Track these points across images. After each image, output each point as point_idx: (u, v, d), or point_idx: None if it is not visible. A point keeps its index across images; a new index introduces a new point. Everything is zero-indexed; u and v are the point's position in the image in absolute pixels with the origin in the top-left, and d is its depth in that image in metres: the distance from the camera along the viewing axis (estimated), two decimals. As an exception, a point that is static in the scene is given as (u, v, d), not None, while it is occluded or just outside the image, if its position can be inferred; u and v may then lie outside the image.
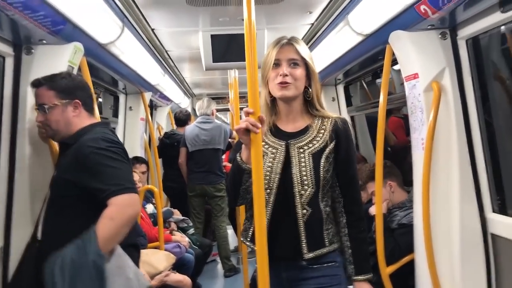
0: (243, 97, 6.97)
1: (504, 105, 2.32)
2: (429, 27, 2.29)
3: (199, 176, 4.94)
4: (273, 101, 1.87)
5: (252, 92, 1.58)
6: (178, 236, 4.08)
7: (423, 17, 2.13)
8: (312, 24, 3.39)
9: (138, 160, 4.18)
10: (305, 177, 1.75)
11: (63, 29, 2.14)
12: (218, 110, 7.93)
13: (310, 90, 1.84)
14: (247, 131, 1.51)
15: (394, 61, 2.61)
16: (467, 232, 2.29)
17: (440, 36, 2.33)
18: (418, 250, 2.50)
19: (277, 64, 1.78)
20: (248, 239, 1.85)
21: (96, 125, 2.03)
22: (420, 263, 2.46)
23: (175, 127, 6.59)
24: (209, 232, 5.61)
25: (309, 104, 1.87)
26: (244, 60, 3.50)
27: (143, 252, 2.95)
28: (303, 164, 1.76)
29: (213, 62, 3.48)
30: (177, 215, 4.41)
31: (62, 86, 1.95)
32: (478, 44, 2.28)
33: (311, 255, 1.75)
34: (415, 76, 2.40)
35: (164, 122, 6.24)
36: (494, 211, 2.30)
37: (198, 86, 7.18)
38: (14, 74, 2.16)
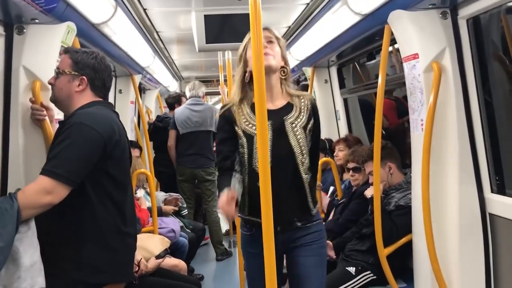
0: (232, 80, 6.88)
1: (504, 85, 2.31)
2: (430, 6, 2.27)
3: (189, 159, 4.87)
4: (249, 82, 2.05)
5: (258, 71, 1.53)
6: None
7: (425, -4, 2.11)
8: (308, 4, 3.34)
9: (132, 144, 4.12)
10: (303, 147, 2.01)
11: (56, 8, 2.06)
12: (206, 94, 7.87)
13: (287, 68, 2.08)
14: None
15: (391, 42, 2.59)
16: (466, 212, 2.31)
17: (440, 15, 2.31)
18: (416, 231, 2.51)
19: None
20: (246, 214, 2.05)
21: (96, 103, 1.98)
22: (419, 244, 2.48)
23: (163, 110, 6.53)
24: (200, 216, 5.60)
25: (285, 84, 2.11)
26: (238, 41, 3.44)
27: (138, 237, 2.91)
28: (298, 136, 2.01)
29: (206, 43, 3.40)
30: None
31: (78, 59, 1.96)
32: (479, 24, 2.27)
33: (313, 212, 2.08)
34: (414, 56, 2.38)
35: (153, 105, 6.16)
36: (492, 191, 2.31)
37: (186, 69, 7.10)
38: (5, 54, 2.08)
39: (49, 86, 2.02)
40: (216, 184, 4.99)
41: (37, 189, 1.71)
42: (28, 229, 1.72)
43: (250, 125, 2.01)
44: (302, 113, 2.06)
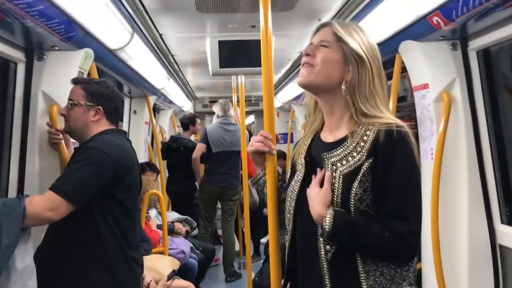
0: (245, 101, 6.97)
1: (514, 116, 2.32)
2: (440, 38, 2.30)
3: (219, 178, 4.86)
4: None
5: (268, 96, 1.56)
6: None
7: (435, 28, 2.13)
8: (320, 31, 3.39)
9: (151, 168, 4.22)
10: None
11: (75, 36, 2.14)
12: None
13: (346, 82, 1.34)
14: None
15: (402, 70, 2.62)
16: (476, 243, 2.30)
17: (451, 47, 2.34)
18: (425, 260, 2.49)
19: None
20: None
21: (111, 131, 2.04)
22: (428, 273, 2.46)
23: (177, 130, 6.59)
24: (210, 236, 5.60)
25: (358, 105, 1.34)
26: (251, 66, 3.47)
27: (148, 258, 2.94)
28: (332, 187, 1.30)
29: (220, 68, 3.46)
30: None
31: (92, 90, 2.01)
32: (489, 56, 2.29)
33: None
34: (425, 86, 2.40)
35: (166, 125, 6.23)
36: (502, 222, 2.30)
37: (200, 89, 7.19)
38: (25, 80, 2.16)
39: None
40: (237, 204, 5.05)
41: (42, 203, 1.76)
42: (25, 233, 1.75)
43: (302, 156, 1.46)
44: (355, 152, 1.28)
